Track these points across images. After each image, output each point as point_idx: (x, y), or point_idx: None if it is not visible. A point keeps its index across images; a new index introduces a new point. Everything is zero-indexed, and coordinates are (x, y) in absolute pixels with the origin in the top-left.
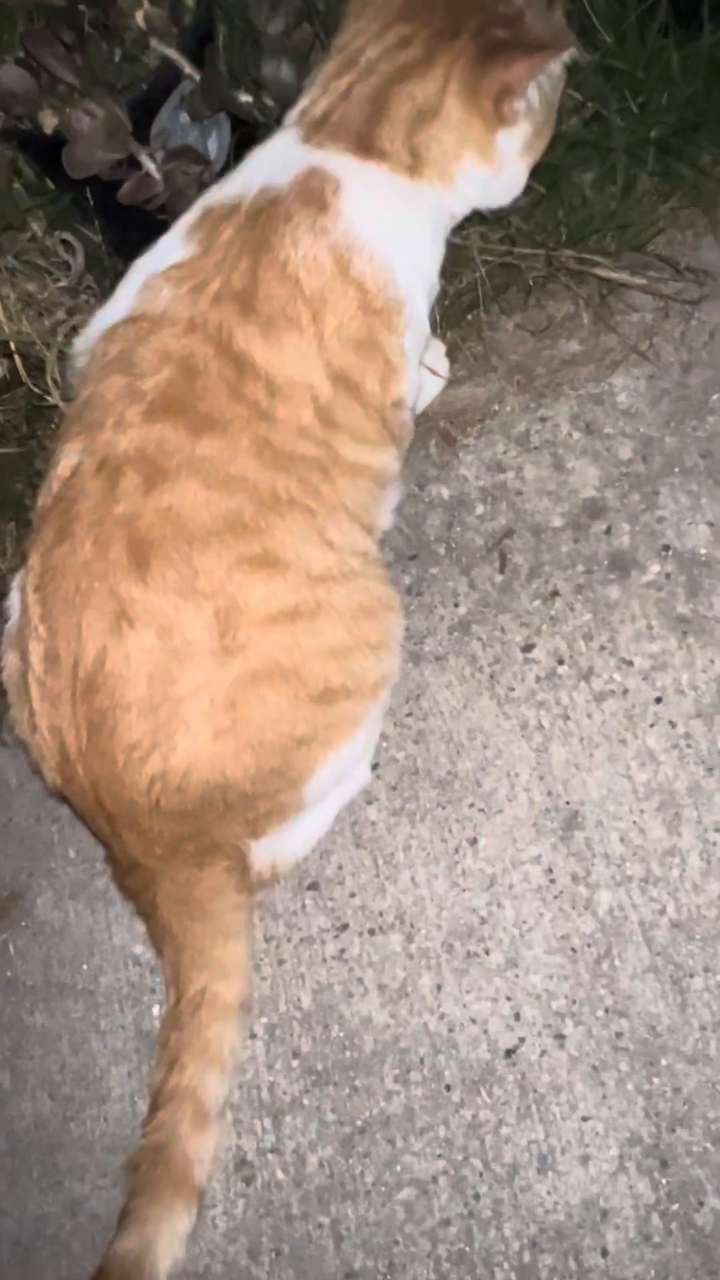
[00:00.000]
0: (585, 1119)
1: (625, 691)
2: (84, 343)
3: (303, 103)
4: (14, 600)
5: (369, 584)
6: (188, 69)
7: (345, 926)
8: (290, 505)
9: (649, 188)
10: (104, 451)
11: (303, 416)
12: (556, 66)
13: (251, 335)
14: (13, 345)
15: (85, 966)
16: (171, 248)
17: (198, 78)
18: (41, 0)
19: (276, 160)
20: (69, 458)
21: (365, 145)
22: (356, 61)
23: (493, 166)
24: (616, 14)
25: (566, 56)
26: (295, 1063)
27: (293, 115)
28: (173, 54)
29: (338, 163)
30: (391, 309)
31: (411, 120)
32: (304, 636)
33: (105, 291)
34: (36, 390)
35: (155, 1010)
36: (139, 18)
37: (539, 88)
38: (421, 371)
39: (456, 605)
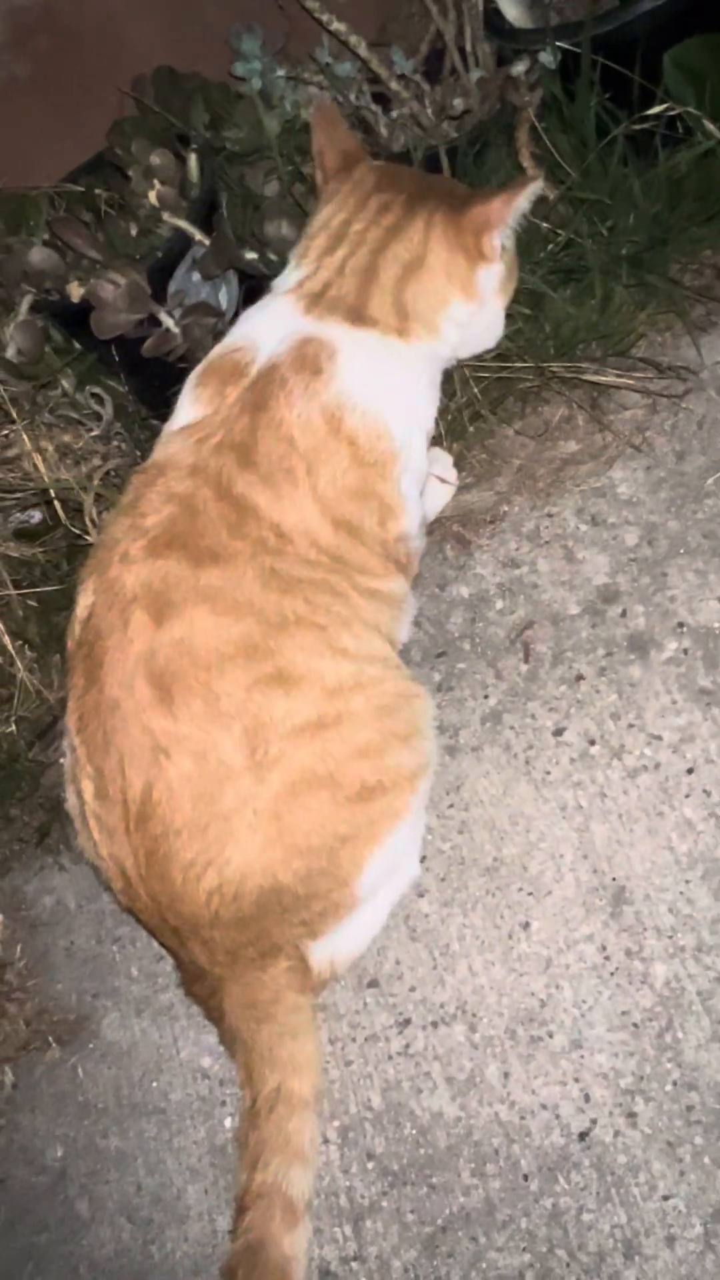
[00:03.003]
0: (666, 1198)
1: (657, 765)
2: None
3: (297, 274)
4: (66, 741)
5: (386, 685)
6: (198, 236)
7: (408, 1021)
8: (298, 624)
9: (626, 299)
10: (113, 589)
11: (309, 554)
12: (526, 201)
13: (251, 483)
14: (53, 492)
15: (155, 1084)
16: (185, 409)
17: (207, 243)
18: (62, 190)
19: (278, 331)
20: (84, 598)
21: (358, 315)
22: (345, 235)
23: (476, 302)
24: (579, 152)
25: (538, 187)
26: (370, 1164)
27: (287, 283)
28: (184, 224)
29: (333, 331)
30: (386, 460)
31: (399, 279)
32: (332, 743)
33: (134, 436)
34: (75, 531)
35: (227, 1123)
36: (152, 196)
37: (509, 228)
38: (431, 480)
39: (486, 697)
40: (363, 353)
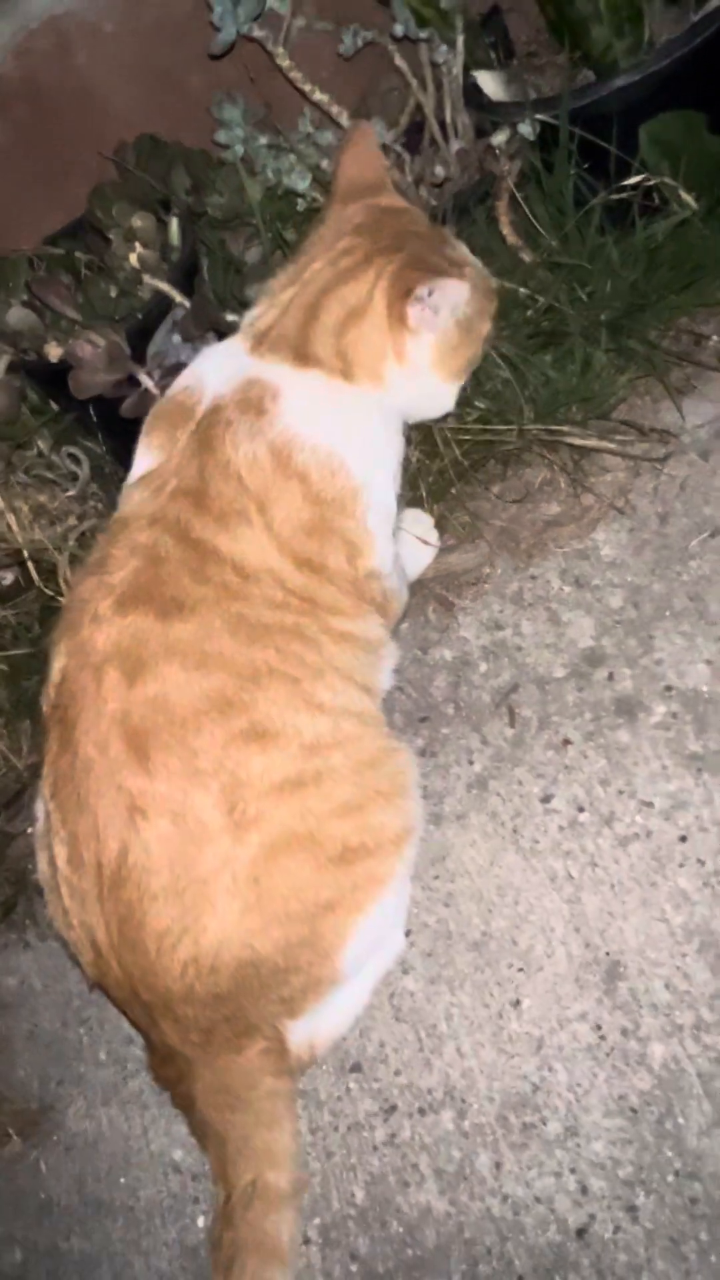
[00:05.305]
0: None
1: (649, 833)
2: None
3: (254, 311)
4: (38, 806)
5: (365, 742)
6: (178, 298)
7: (393, 1108)
8: (271, 675)
9: (606, 363)
10: (84, 650)
11: (276, 595)
12: (457, 293)
13: (208, 526)
14: (25, 553)
15: (123, 1180)
16: (141, 459)
17: (188, 305)
18: (42, 252)
19: (225, 370)
20: (57, 661)
21: (301, 355)
22: (303, 274)
23: (403, 364)
24: (558, 220)
25: (460, 289)
26: (354, 1267)
27: (245, 320)
28: (164, 287)
29: (276, 372)
30: (345, 497)
31: (340, 323)
32: (313, 800)
33: (111, 497)
34: (48, 592)
35: (200, 1221)
36: (133, 259)
37: (450, 309)
38: (412, 542)
39: (471, 763)
40: (308, 391)
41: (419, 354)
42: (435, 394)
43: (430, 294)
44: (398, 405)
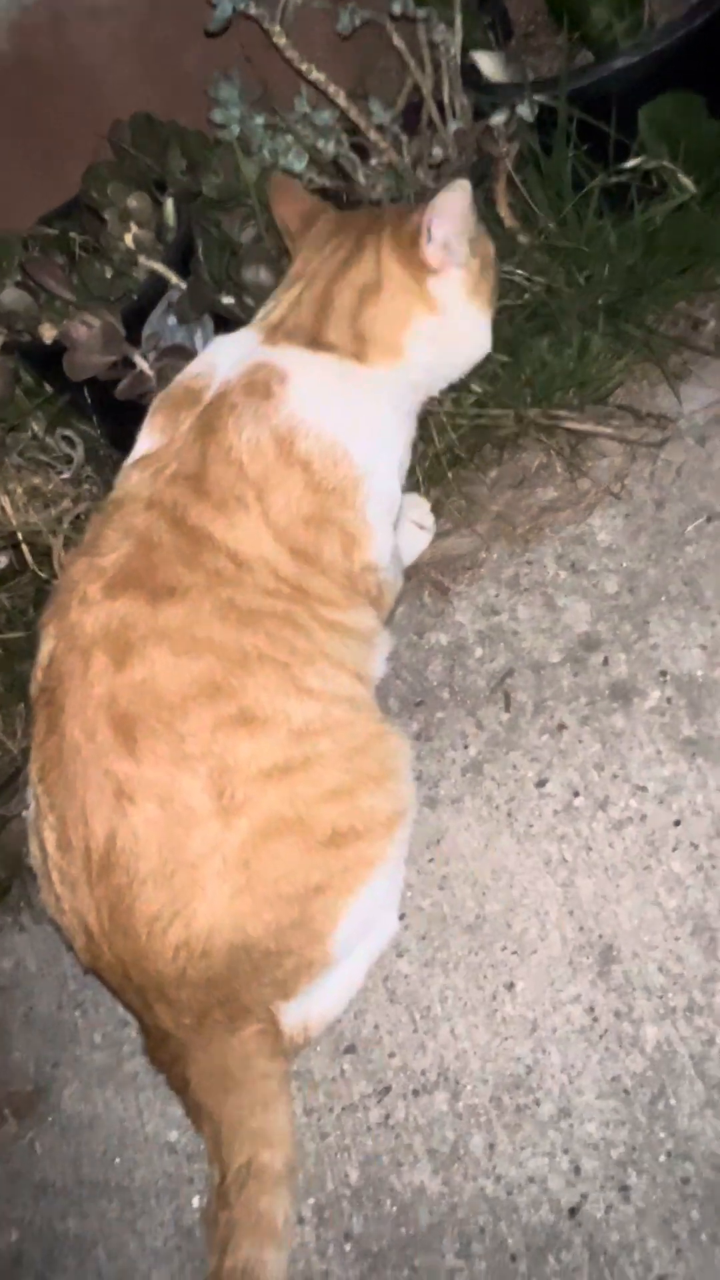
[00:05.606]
0: (662, 1278)
1: (643, 818)
2: None
3: (263, 311)
4: (29, 791)
5: (356, 727)
6: (174, 279)
7: (388, 1089)
8: (260, 661)
9: (603, 347)
10: (73, 633)
11: (268, 583)
12: (454, 203)
13: (205, 512)
14: (20, 535)
15: (118, 1160)
16: (143, 440)
17: (183, 285)
18: (36, 233)
19: (235, 357)
20: (46, 644)
21: (315, 342)
22: (304, 274)
23: (438, 314)
24: (555, 203)
25: (458, 195)
26: (348, 1246)
27: (256, 318)
28: (159, 267)
29: (287, 355)
30: (347, 487)
31: (355, 305)
32: (301, 785)
33: (105, 480)
34: (42, 575)
35: (195, 1202)
36: (128, 239)
37: (457, 228)
38: (409, 526)
39: (466, 747)
40: (317, 376)
41: (451, 292)
42: (475, 330)
43: (436, 229)
44: (427, 372)
